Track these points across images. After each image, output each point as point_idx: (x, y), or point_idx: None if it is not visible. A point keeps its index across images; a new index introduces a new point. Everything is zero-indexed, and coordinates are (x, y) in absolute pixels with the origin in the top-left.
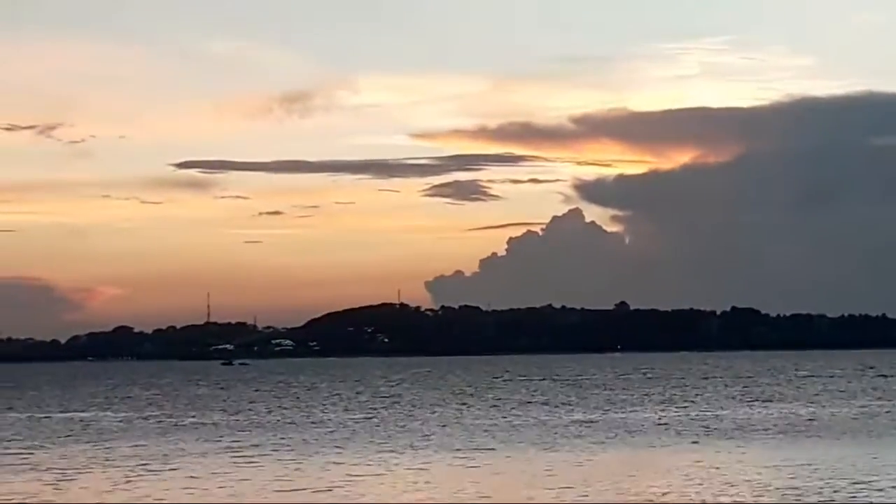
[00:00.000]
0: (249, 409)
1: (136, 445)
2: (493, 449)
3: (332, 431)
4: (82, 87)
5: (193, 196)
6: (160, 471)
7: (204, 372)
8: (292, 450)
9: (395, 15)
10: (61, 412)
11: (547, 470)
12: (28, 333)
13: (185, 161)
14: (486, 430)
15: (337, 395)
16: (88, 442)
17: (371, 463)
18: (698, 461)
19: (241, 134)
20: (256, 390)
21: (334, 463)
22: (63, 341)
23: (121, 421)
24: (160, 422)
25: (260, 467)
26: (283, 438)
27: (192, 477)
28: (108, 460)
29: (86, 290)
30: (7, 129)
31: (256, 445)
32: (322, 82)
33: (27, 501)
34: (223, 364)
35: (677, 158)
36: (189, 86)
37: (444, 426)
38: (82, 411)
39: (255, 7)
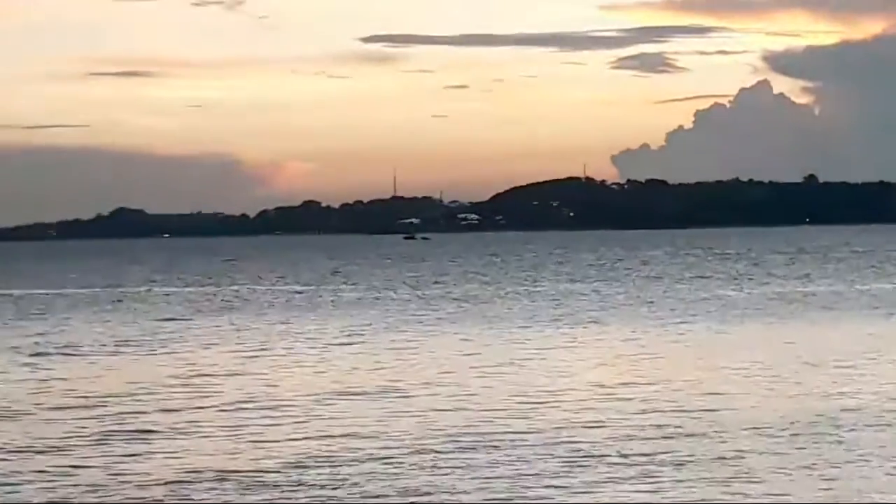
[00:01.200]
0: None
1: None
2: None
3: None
4: None
5: (379, 70)
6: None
7: (387, 245)
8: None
9: None
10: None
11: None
12: (218, 208)
13: (372, 35)
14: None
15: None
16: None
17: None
18: None
19: (427, 6)
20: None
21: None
22: (252, 216)
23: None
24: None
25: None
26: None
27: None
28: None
29: (274, 164)
30: (196, 4)
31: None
32: None
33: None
34: (405, 238)
35: (869, 28)
36: None
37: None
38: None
39: None
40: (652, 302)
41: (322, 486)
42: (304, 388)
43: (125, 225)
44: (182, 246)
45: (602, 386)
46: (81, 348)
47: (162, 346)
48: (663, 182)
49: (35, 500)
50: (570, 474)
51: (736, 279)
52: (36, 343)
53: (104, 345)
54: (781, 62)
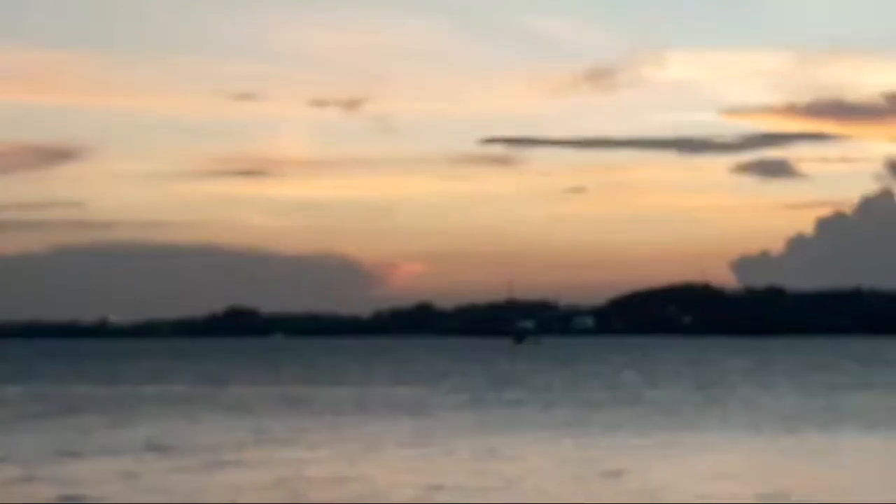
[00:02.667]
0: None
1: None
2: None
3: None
4: (389, 62)
5: (498, 172)
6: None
7: (498, 348)
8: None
9: None
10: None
11: None
12: (331, 308)
13: (491, 137)
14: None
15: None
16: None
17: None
18: None
19: (546, 110)
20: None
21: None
22: (365, 317)
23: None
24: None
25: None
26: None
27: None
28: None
29: (389, 265)
30: (314, 104)
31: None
32: (630, 57)
33: None
34: (515, 342)
35: None
36: (495, 61)
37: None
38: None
39: None
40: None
41: None
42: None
43: (238, 324)
44: (301, 346)
45: None
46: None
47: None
48: (782, 289)
49: None
50: None
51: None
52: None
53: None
54: None
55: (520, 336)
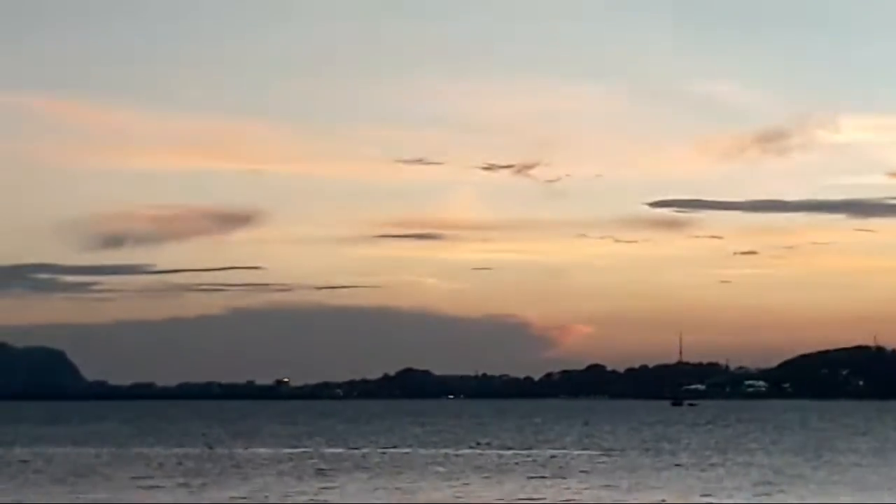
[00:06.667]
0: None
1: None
2: None
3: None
4: (559, 126)
5: (667, 235)
6: None
7: (651, 411)
8: None
9: (872, 55)
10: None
11: None
12: (502, 370)
13: (660, 200)
14: None
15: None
16: None
17: None
18: None
19: (715, 173)
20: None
21: None
22: (536, 378)
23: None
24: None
25: None
26: None
27: None
28: None
29: (559, 327)
30: (486, 168)
31: None
32: (800, 122)
33: None
34: (673, 404)
35: None
36: (664, 126)
37: None
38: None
39: (733, 49)
40: None
41: None
42: None
43: (410, 385)
44: (480, 409)
45: None
46: None
47: None
48: None
49: None
50: None
51: None
52: None
53: None
54: None
55: (678, 400)
